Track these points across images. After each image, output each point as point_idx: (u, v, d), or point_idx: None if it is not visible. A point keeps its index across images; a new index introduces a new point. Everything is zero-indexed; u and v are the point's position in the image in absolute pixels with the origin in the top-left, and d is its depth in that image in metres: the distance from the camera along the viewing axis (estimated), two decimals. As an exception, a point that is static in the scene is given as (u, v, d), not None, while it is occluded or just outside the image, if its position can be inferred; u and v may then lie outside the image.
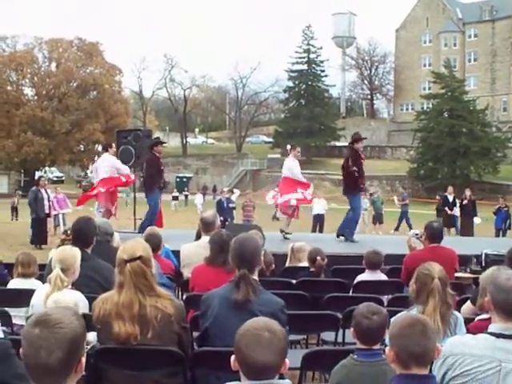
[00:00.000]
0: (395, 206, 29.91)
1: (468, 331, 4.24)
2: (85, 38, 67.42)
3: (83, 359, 2.53)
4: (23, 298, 5.69)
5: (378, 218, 27.33)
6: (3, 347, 3.25)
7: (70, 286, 5.03)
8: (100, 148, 12.41)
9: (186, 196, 54.05)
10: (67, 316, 2.51)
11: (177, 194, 47.82)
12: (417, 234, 8.29)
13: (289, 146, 14.47)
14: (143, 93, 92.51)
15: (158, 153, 13.79)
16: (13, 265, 6.73)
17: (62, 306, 3.81)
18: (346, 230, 13.71)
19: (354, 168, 13.21)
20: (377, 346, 3.78)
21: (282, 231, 13.78)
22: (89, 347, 4.27)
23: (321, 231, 23.43)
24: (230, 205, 25.31)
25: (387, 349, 3.17)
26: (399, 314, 3.96)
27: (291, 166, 13.91)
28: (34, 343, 2.39)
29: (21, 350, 2.46)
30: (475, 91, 75.15)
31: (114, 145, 14.32)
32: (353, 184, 13.44)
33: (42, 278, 5.84)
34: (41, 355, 2.37)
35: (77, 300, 4.82)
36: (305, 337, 6.58)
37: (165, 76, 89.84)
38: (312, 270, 7.71)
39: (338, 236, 13.81)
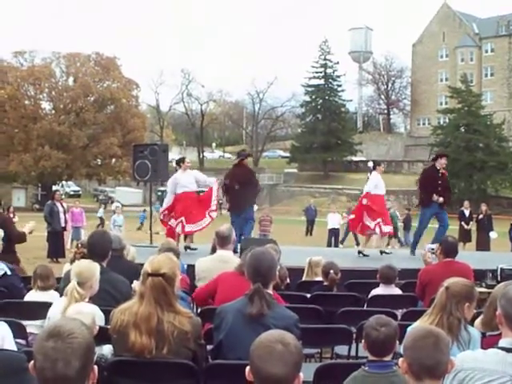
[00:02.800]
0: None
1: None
2: (102, 53, 67.48)
3: (95, 367, 2.56)
4: (40, 310, 5.66)
5: (394, 233, 27.12)
6: (18, 361, 3.27)
7: (87, 300, 4.98)
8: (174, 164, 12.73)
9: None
10: (78, 326, 2.54)
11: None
12: (432, 249, 8.29)
13: (371, 163, 14.16)
14: (160, 107, 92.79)
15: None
16: (29, 277, 6.76)
17: (71, 317, 3.83)
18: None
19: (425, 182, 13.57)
20: (388, 358, 3.77)
21: (382, 252, 14.01)
22: (103, 360, 4.30)
23: (336, 245, 23.45)
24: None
25: (400, 360, 3.17)
26: (414, 325, 3.95)
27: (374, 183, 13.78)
28: (50, 356, 2.40)
29: (31, 363, 2.47)
30: (492, 106, 74.86)
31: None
32: (422, 198, 13.66)
33: (59, 291, 5.87)
34: (58, 367, 2.38)
35: (95, 312, 4.82)
36: (318, 350, 6.58)
37: (182, 90, 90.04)
38: (325, 283, 7.72)
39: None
